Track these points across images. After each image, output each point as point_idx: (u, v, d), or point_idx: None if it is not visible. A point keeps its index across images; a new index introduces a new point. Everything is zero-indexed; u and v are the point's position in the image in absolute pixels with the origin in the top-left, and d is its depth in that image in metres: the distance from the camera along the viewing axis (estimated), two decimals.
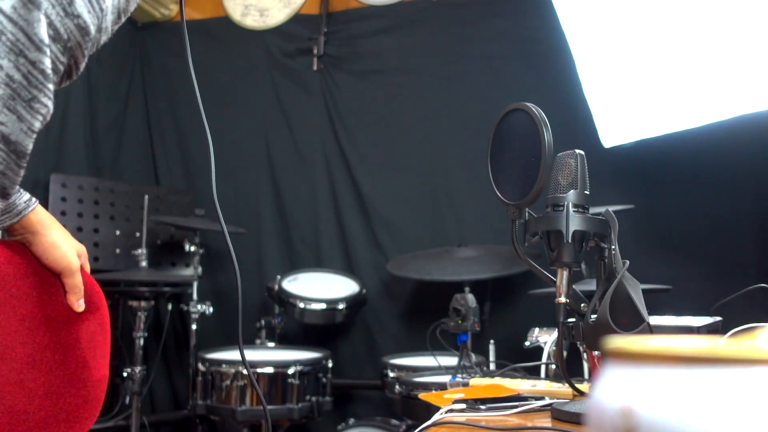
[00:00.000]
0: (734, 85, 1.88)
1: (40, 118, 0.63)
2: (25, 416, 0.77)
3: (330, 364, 2.41)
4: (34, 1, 0.59)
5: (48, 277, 0.84)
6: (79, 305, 0.85)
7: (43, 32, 0.60)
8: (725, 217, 2.28)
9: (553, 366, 1.65)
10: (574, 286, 1.02)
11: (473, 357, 1.82)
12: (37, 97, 0.62)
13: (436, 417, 1.02)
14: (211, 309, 2.67)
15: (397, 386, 2.05)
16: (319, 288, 2.64)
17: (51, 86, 0.63)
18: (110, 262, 2.66)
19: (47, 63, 0.62)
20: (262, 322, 2.60)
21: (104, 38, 0.68)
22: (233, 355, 2.39)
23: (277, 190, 3.02)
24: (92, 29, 0.65)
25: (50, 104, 0.63)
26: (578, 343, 1.08)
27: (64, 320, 0.83)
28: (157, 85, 3.16)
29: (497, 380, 1.27)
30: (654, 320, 1.11)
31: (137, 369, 2.40)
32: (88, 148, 2.86)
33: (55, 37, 0.62)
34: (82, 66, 0.67)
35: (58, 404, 0.81)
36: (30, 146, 0.64)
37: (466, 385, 1.29)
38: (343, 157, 2.95)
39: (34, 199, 0.86)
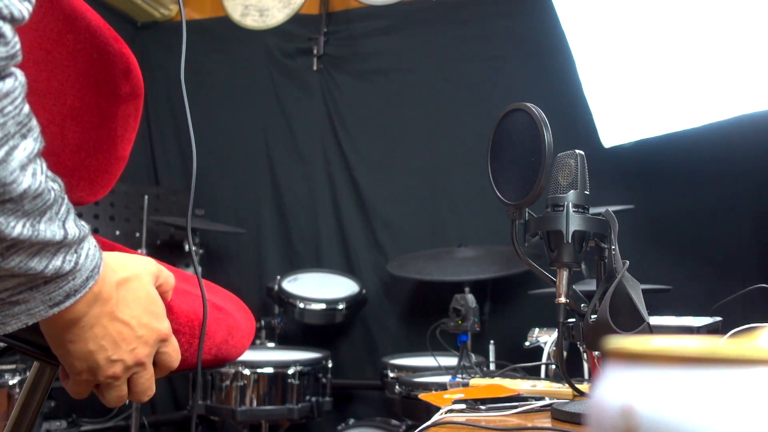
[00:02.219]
0: (734, 85, 1.88)
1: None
2: (56, 161, 0.81)
3: (330, 365, 2.41)
4: None
5: (109, 48, 0.86)
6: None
7: None
8: (725, 217, 2.28)
9: (553, 366, 1.65)
10: (574, 286, 1.02)
11: (473, 357, 1.82)
12: None
13: (436, 417, 1.02)
14: None
15: (397, 386, 2.05)
16: (319, 288, 2.64)
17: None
18: None
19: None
20: (262, 322, 2.60)
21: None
22: None
23: (277, 190, 3.02)
24: None
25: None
26: (578, 343, 1.08)
27: (108, 93, 0.87)
28: (157, 85, 3.15)
29: (497, 380, 1.27)
30: (654, 320, 1.11)
31: None
32: None
33: None
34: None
35: (84, 163, 0.87)
36: None
37: (466, 385, 1.29)
38: (343, 157, 2.95)
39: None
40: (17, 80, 0.55)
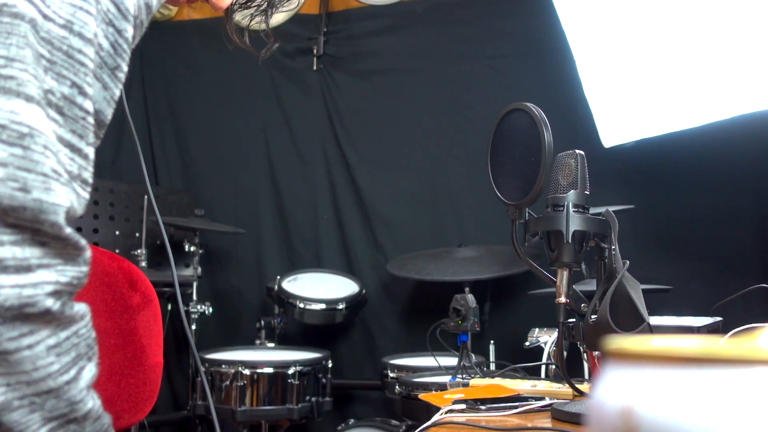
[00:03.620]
0: (734, 85, 1.88)
1: (120, 86, 0.63)
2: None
3: (330, 365, 2.41)
4: None
5: (107, 269, 0.87)
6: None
7: (129, 2, 0.62)
8: (726, 217, 2.28)
9: (553, 366, 1.65)
10: (574, 286, 1.01)
11: (473, 357, 1.82)
12: (121, 65, 0.63)
13: (436, 417, 1.02)
14: (210, 309, 2.67)
15: (397, 386, 2.05)
16: (319, 288, 2.64)
17: (128, 56, 0.63)
18: None
19: (131, 32, 0.63)
20: (262, 322, 2.60)
21: (140, 35, 0.69)
22: (233, 355, 2.39)
23: (277, 190, 3.02)
24: (153, 9, 0.66)
25: (126, 71, 0.64)
26: (578, 343, 1.08)
27: (122, 310, 0.88)
28: (157, 85, 3.16)
29: (497, 380, 1.26)
30: (654, 320, 1.11)
31: None
32: None
33: (134, 11, 0.63)
34: (133, 46, 0.68)
35: (120, 385, 0.87)
36: (110, 116, 0.63)
37: (466, 385, 1.29)
38: (342, 157, 2.95)
39: None
40: (88, 306, 0.60)
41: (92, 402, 0.59)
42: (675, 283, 2.04)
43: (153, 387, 0.90)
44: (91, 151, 0.61)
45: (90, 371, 0.59)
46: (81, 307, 0.58)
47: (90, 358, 0.59)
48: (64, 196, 0.54)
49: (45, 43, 0.56)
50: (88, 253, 0.58)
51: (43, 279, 0.53)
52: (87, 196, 0.59)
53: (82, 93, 0.58)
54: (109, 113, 0.63)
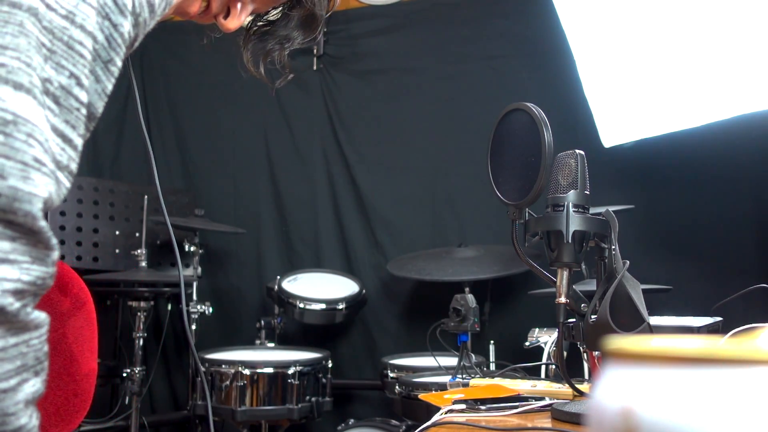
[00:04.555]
0: (734, 85, 1.88)
1: (113, 80, 0.63)
2: None
3: (330, 365, 2.41)
4: None
5: None
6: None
7: None
8: (726, 217, 2.28)
9: (553, 366, 1.65)
10: (574, 286, 1.01)
11: (473, 357, 1.82)
12: (114, 59, 0.62)
13: (436, 417, 1.02)
14: (210, 309, 2.67)
15: (397, 386, 2.05)
16: (319, 288, 2.64)
17: (124, 51, 0.63)
18: (110, 263, 2.66)
19: (127, 27, 0.62)
20: (262, 322, 2.59)
21: (143, 33, 0.69)
22: (233, 355, 2.39)
23: (277, 190, 3.02)
24: (157, 10, 0.66)
25: (120, 67, 0.64)
26: (578, 343, 1.08)
27: (50, 316, 0.84)
28: (157, 85, 3.15)
29: (497, 380, 1.26)
30: (654, 320, 1.11)
31: (137, 369, 2.40)
32: (88, 148, 2.86)
33: (132, 7, 0.63)
34: (136, 45, 0.68)
35: (48, 398, 0.79)
36: (101, 109, 0.63)
37: (466, 385, 1.29)
38: (342, 157, 2.95)
39: None
40: (47, 318, 0.57)
41: (27, 419, 0.55)
42: (675, 283, 2.04)
43: (85, 397, 0.85)
44: (80, 143, 0.60)
45: (33, 386, 0.56)
46: (39, 316, 0.56)
47: (37, 372, 0.56)
48: (43, 187, 0.53)
49: (47, 33, 0.56)
50: (56, 255, 0.56)
51: (5, 275, 0.51)
52: (69, 186, 0.58)
53: (79, 84, 0.59)
54: (100, 107, 0.63)
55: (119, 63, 0.63)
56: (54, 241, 0.56)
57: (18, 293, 0.52)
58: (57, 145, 0.57)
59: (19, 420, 0.55)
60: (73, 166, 0.59)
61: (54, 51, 0.57)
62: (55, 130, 0.57)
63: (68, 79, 0.58)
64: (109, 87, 0.63)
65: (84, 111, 0.60)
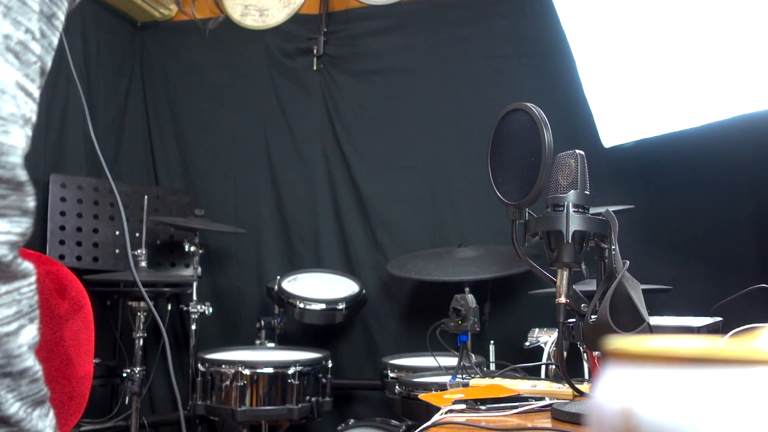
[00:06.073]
0: (733, 85, 1.88)
1: (58, 34, 0.64)
2: None
3: (330, 365, 2.41)
4: None
5: None
6: None
7: None
8: (725, 217, 2.28)
9: (553, 366, 1.65)
10: (574, 286, 1.01)
11: (473, 357, 1.82)
12: (56, 13, 0.63)
13: (436, 417, 1.02)
14: (210, 309, 2.67)
15: (397, 387, 2.05)
16: (319, 288, 2.64)
17: (66, 6, 0.64)
18: (110, 263, 2.66)
19: None
20: (262, 322, 2.60)
21: None
22: (233, 355, 2.39)
23: (277, 190, 3.02)
24: None
25: (63, 21, 0.64)
26: (578, 343, 1.08)
27: (47, 319, 0.83)
28: (156, 85, 3.15)
29: (497, 380, 1.26)
30: (654, 320, 1.11)
31: (137, 369, 2.40)
32: (88, 148, 2.86)
33: None
34: (78, 1, 0.69)
35: None
36: (50, 63, 0.64)
37: (466, 385, 1.29)
38: (342, 157, 2.95)
39: None
40: (34, 266, 0.59)
41: (32, 362, 0.58)
42: (675, 283, 2.04)
43: (80, 400, 0.86)
44: (38, 95, 0.62)
45: (31, 332, 0.58)
46: (27, 266, 0.57)
47: (32, 319, 0.58)
48: (21, 139, 0.55)
49: None
50: (33, 204, 0.57)
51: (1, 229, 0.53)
52: (30, 135, 0.60)
53: (34, 38, 0.60)
54: (48, 60, 0.64)
55: (62, 17, 0.64)
56: (32, 191, 0.57)
57: (11, 244, 0.54)
58: (21, 100, 0.58)
59: (24, 362, 0.57)
60: (34, 118, 0.61)
61: (10, 7, 0.58)
62: (18, 85, 0.58)
63: (25, 34, 0.59)
64: (55, 41, 0.64)
65: (39, 64, 0.61)
